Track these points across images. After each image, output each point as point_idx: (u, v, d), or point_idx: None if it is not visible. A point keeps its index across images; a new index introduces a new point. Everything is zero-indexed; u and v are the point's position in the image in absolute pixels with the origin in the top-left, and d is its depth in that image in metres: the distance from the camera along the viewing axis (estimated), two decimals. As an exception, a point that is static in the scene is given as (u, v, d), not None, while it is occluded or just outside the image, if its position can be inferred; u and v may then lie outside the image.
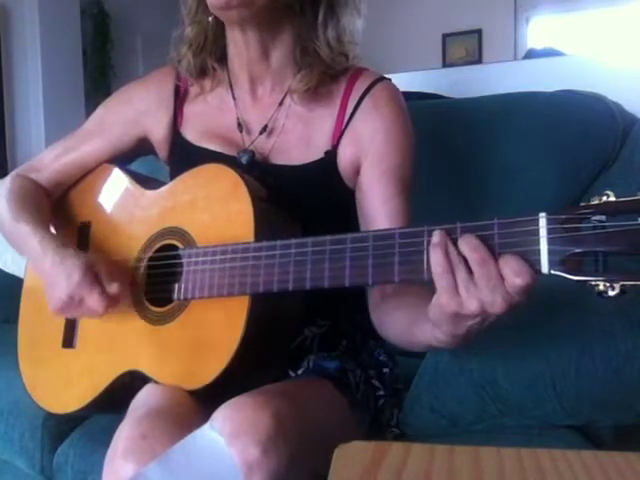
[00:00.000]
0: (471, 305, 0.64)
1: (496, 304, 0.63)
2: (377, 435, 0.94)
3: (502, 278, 0.63)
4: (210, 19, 0.96)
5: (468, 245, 0.64)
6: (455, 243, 0.65)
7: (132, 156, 1.11)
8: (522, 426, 0.90)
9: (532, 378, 0.87)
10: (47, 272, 0.91)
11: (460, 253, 0.64)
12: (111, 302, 0.88)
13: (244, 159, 0.96)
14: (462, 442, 0.56)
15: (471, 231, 0.65)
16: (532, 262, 0.62)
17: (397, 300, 0.86)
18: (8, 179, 1.08)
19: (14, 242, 1.02)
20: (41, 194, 1.07)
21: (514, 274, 0.62)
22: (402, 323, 0.82)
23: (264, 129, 0.98)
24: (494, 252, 0.64)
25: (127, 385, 0.89)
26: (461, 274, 0.64)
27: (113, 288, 0.89)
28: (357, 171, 0.95)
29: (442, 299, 0.66)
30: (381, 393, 0.97)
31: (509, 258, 0.63)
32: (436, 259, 0.65)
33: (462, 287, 0.64)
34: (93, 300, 0.87)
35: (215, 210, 0.88)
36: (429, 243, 0.67)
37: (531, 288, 0.63)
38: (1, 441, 1.15)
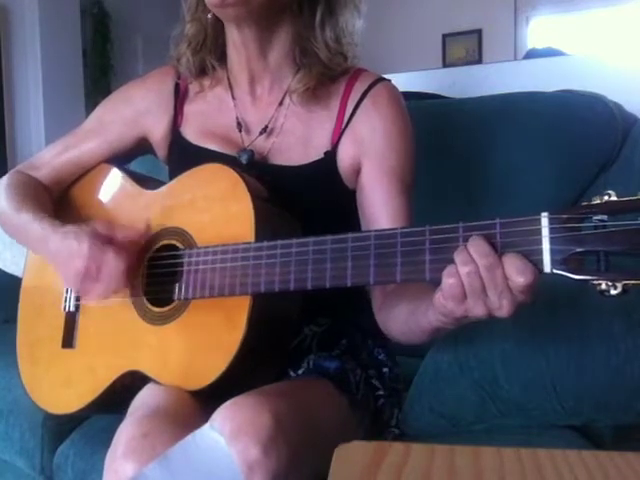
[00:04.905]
0: (478, 310, 0.66)
1: (503, 308, 0.65)
2: (377, 435, 0.94)
3: (506, 279, 0.63)
4: (209, 17, 0.96)
5: (478, 251, 0.64)
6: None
7: (131, 155, 1.11)
8: (522, 426, 0.90)
9: (532, 378, 0.87)
10: (54, 253, 0.91)
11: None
12: (128, 256, 0.88)
13: (244, 159, 0.95)
14: (462, 442, 0.56)
15: (473, 231, 0.65)
16: (534, 261, 0.62)
17: (398, 293, 0.87)
18: (7, 176, 1.08)
19: (16, 233, 1.02)
20: (41, 189, 1.07)
21: (517, 273, 0.63)
22: (405, 312, 0.82)
23: (264, 129, 0.97)
24: (497, 252, 0.64)
25: (127, 385, 0.89)
26: (473, 284, 0.65)
27: (125, 232, 0.90)
28: (357, 171, 0.95)
29: (449, 305, 0.67)
30: (381, 393, 0.96)
31: (512, 257, 0.63)
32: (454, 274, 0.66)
33: (470, 295, 0.65)
34: (110, 259, 0.86)
35: (215, 210, 0.88)
36: (430, 243, 0.67)
37: (534, 287, 0.63)
38: (1, 441, 1.15)
